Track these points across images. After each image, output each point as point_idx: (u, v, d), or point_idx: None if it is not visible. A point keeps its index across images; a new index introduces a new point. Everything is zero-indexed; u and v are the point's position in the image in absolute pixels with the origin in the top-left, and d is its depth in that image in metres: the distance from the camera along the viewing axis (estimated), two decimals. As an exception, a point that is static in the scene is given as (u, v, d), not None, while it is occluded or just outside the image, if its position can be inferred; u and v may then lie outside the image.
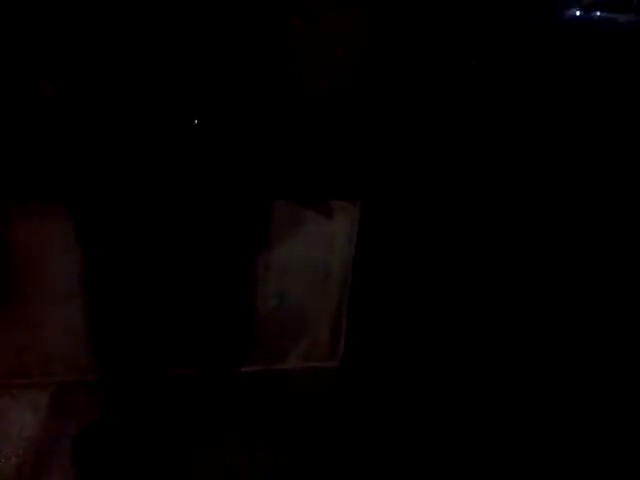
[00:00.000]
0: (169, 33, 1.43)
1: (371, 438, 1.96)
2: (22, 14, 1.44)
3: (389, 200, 2.03)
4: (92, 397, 1.86)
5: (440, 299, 2.24)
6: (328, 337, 2.16)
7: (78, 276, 1.86)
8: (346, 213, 2.01)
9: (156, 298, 1.71)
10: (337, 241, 2.04)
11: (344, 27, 1.75)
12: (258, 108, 1.63)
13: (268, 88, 1.63)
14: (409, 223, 2.13)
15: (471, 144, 2.34)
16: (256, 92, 1.61)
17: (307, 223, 2.00)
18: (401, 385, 2.11)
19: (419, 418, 2.03)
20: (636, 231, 2.51)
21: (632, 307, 2.37)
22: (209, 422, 1.96)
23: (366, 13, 1.72)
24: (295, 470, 1.83)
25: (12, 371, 2.02)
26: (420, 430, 1.99)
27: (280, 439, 1.92)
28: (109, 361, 1.80)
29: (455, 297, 2.26)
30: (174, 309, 1.79)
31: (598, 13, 4.07)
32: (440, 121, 2.33)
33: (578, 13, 4.05)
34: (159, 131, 1.50)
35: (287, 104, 1.70)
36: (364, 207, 1.98)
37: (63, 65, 1.43)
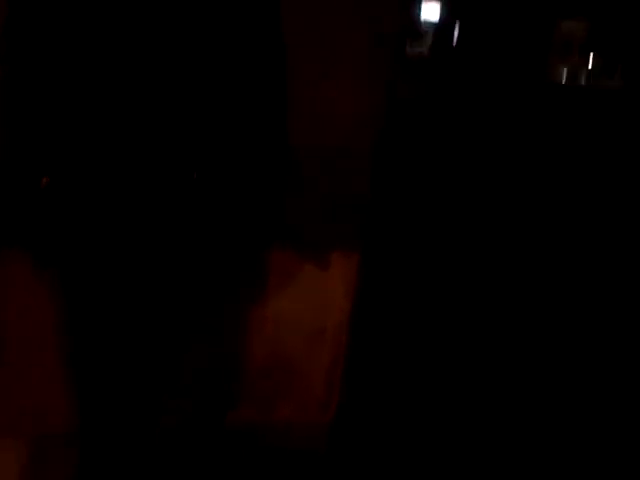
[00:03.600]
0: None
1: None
2: None
3: (390, 252, 2.04)
4: (66, 452, 1.79)
5: (440, 353, 2.23)
6: (321, 391, 2.12)
7: (58, 327, 1.82)
8: (343, 265, 2.00)
9: (142, 349, 1.67)
10: (333, 293, 2.03)
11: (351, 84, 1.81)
12: (257, 156, 1.63)
13: (268, 137, 1.64)
14: (409, 276, 2.13)
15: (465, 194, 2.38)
16: (256, 140, 1.61)
17: (303, 275, 1.99)
18: (395, 443, 2.07)
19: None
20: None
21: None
22: (194, 476, 1.90)
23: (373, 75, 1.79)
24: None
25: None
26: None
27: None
28: (88, 414, 1.73)
29: (455, 352, 2.24)
30: (161, 358, 1.75)
31: (583, 80, 4.21)
32: (434, 171, 2.37)
33: (564, 79, 4.18)
34: (153, 184, 1.50)
35: (286, 152, 1.71)
36: (363, 259, 1.98)
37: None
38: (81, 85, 1.43)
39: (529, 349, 2.28)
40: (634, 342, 2.26)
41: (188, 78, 1.46)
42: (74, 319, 1.65)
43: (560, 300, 2.38)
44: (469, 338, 2.29)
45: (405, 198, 2.10)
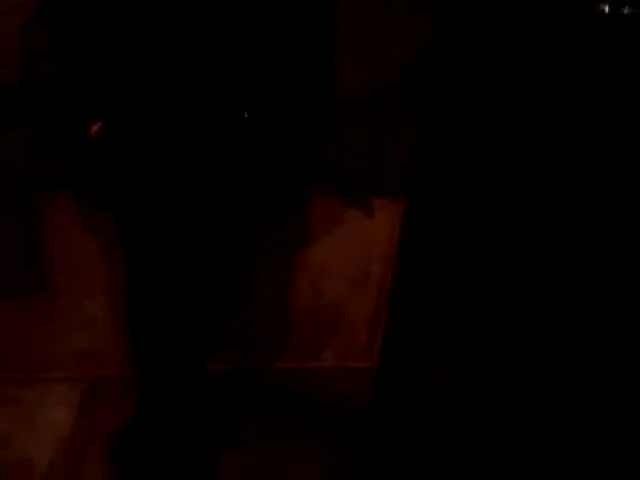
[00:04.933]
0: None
1: (402, 440, 1.93)
2: None
3: (434, 198, 1.99)
4: (125, 392, 1.83)
5: (482, 299, 2.21)
6: (364, 337, 2.13)
7: (115, 272, 1.84)
8: (387, 211, 1.96)
9: (194, 295, 1.68)
10: (377, 239, 2.00)
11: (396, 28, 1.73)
12: (301, 103, 1.59)
13: (315, 77, 1.60)
14: (454, 222, 2.09)
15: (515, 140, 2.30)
16: (300, 86, 1.57)
17: (347, 220, 1.96)
18: (437, 389, 2.08)
19: (455, 420, 2.00)
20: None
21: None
22: (242, 418, 1.94)
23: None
24: (325, 471, 1.80)
25: (44, 365, 1.99)
26: (456, 433, 1.97)
27: (310, 438, 1.89)
28: (145, 357, 1.77)
29: (496, 298, 2.22)
30: (211, 304, 1.76)
31: (626, 9, 4.02)
32: (479, 118, 2.28)
33: (607, 9, 3.98)
34: (204, 125, 1.47)
35: (329, 98, 1.66)
36: (407, 205, 1.94)
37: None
38: (134, 27, 1.38)
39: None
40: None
41: (239, 19, 1.41)
42: (127, 261, 1.66)
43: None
44: (509, 281, 2.27)
45: (450, 143, 2.03)
